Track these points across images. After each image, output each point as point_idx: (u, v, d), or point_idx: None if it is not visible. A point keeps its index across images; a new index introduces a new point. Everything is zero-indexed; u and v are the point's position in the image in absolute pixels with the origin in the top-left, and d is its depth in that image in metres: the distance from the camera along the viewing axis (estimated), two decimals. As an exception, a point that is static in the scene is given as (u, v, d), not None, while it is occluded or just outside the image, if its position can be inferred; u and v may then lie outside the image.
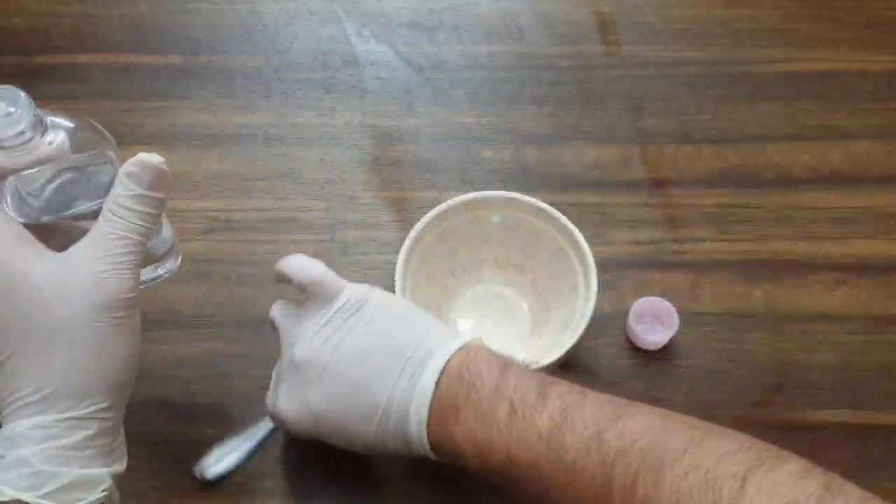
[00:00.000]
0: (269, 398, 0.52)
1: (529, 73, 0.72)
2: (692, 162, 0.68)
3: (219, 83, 0.71)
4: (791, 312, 0.62)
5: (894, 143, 0.69)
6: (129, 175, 0.42)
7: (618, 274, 0.63)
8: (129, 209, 0.42)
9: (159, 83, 0.71)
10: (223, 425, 0.58)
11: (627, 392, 0.60)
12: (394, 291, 0.56)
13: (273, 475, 0.57)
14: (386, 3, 0.75)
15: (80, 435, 0.41)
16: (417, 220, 0.58)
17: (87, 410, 0.41)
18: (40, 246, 0.42)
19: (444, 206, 0.58)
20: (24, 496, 0.38)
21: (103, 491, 0.41)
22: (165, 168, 0.43)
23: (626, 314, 0.61)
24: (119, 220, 0.42)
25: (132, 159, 0.43)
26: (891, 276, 0.64)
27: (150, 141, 0.68)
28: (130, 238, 0.42)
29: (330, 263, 0.64)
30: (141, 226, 0.42)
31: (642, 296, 0.61)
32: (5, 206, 0.42)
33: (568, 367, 0.60)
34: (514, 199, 0.59)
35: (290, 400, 0.49)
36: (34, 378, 0.40)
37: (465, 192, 0.59)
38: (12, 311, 0.40)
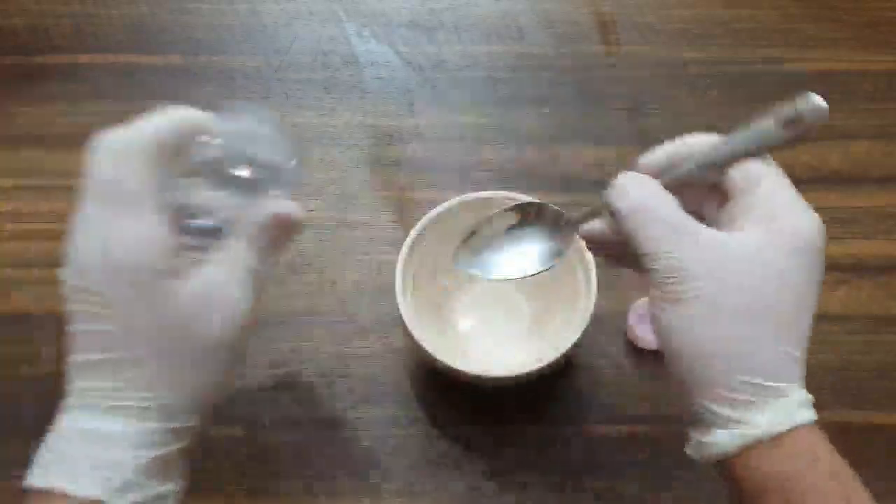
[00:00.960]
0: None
1: (529, 73, 0.72)
2: (692, 162, 0.68)
3: (219, 83, 0.71)
4: (791, 312, 0.62)
5: (894, 143, 0.69)
6: (263, 229, 0.42)
7: (618, 274, 0.63)
8: (260, 251, 0.43)
9: (159, 83, 0.71)
10: (225, 424, 0.58)
11: (627, 392, 0.60)
12: (395, 291, 0.56)
13: (275, 475, 0.57)
14: (386, 3, 0.75)
15: (174, 447, 0.40)
16: (417, 220, 0.58)
17: (187, 425, 0.40)
18: (192, 264, 0.41)
19: (444, 206, 0.58)
20: (104, 498, 0.38)
21: None
22: (300, 218, 0.43)
23: (626, 314, 0.61)
24: (252, 257, 0.42)
25: (270, 214, 0.43)
26: (891, 276, 0.64)
27: (150, 141, 0.69)
28: (259, 270, 0.42)
29: (330, 263, 0.64)
30: (270, 260, 0.43)
31: (642, 296, 0.61)
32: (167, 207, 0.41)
33: (568, 367, 0.60)
34: (514, 200, 0.59)
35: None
36: (156, 386, 0.39)
37: (465, 192, 0.59)
38: (154, 321, 0.39)
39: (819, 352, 0.61)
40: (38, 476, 0.38)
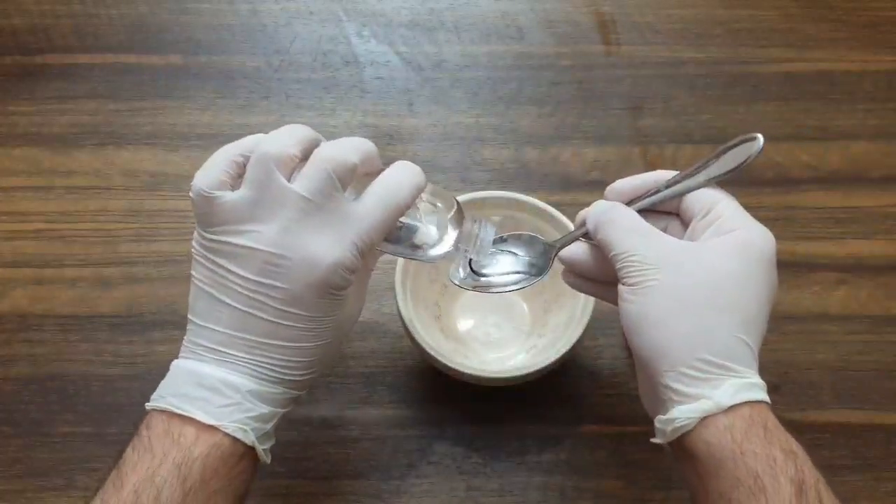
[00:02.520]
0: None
1: (529, 73, 0.72)
2: (692, 162, 0.68)
3: (219, 83, 0.71)
4: (791, 312, 0.62)
5: (894, 143, 0.69)
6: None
7: (618, 274, 0.63)
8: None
9: (159, 83, 0.71)
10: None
11: (627, 391, 0.60)
12: (395, 291, 0.56)
13: (276, 475, 0.57)
14: (386, 3, 0.75)
15: (289, 409, 0.48)
16: (417, 220, 0.58)
17: (302, 393, 0.48)
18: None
19: (444, 206, 0.58)
20: (249, 441, 0.44)
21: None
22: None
23: (626, 314, 0.61)
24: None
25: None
26: (890, 276, 0.64)
27: (150, 141, 0.69)
28: None
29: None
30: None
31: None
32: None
33: (568, 366, 0.60)
34: (514, 199, 0.59)
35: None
36: (316, 365, 0.46)
37: (465, 192, 0.59)
38: (335, 321, 0.46)
39: (819, 352, 0.61)
40: (182, 405, 0.44)
